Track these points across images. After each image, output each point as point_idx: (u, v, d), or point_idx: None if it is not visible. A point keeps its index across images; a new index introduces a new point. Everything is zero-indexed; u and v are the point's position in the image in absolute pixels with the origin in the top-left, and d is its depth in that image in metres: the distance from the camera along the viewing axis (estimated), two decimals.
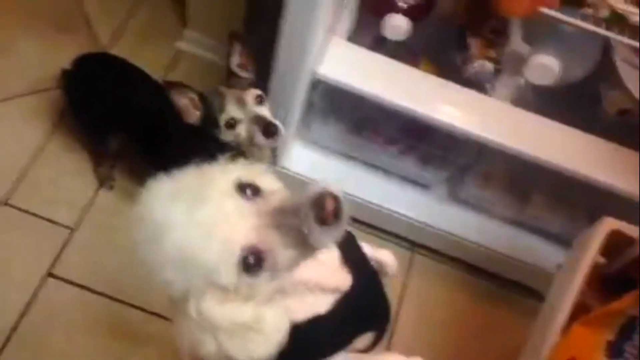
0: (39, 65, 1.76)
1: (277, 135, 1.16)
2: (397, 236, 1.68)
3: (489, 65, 1.33)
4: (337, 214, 0.65)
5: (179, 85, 1.17)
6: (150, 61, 1.53)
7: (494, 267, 1.62)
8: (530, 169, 1.39)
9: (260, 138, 1.16)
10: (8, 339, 1.41)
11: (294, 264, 0.68)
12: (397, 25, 1.28)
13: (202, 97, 1.19)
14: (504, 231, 1.58)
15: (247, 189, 0.68)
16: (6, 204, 1.57)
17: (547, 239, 1.56)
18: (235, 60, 1.21)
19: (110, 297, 1.49)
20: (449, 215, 1.59)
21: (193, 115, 1.19)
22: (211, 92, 1.19)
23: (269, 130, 1.15)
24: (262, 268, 0.66)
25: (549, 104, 1.38)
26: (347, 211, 0.67)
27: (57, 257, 1.52)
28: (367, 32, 1.47)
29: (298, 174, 1.59)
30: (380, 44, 1.46)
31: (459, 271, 1.68)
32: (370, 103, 1.36)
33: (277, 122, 1.16)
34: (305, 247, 0.66)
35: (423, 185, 1.61)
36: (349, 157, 1.64)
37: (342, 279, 0.85)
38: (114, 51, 1.78)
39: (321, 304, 0.82)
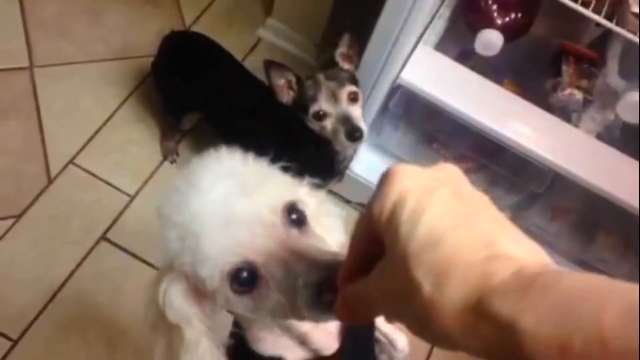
0: (123, 33, 1.80)
1: (360, 141, 1.15)
2: None
3: (578, 95, 1.29)
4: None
5: (280, 66, 1.18)
6: (230, 45, 1.53)
7: None
8: (602, 207, 1.33)
9: (342, 138, 1.15)
10: (56, 293, 1.43)
11: (276, 312, 0.60)
12: (491, 41, 1.25)
13: (299, 80, 1.19)
14: (564, 268, 1.51)
15: (294, 214, 0.60)
16: (73, 162, 1.60)
17: None
18: (341, 49, 1.20)
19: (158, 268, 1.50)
20: None
21: (286, 95, 1.20)
22: (309, 78, 1.18)
23: (353, 135, 1.14)
24: (249, 292, 0.59)
25: (634, 143, 1.32)
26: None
27: (114, 222, 1.55)
28: (454, 43, 1.45)
29: (360, 176, 1.57)
30: (466, 57, 1.43)
31: None
32: (446, 115, 1.33)
33: (363, 127, 1.15)
34: (295, 307, 0.58)
35: None
36: None
37: (328, 343, 0.76)
38: (196, 29, 1.81)
39: (291, 353, 0.73)
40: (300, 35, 1.81)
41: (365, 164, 1.57)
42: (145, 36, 1.78)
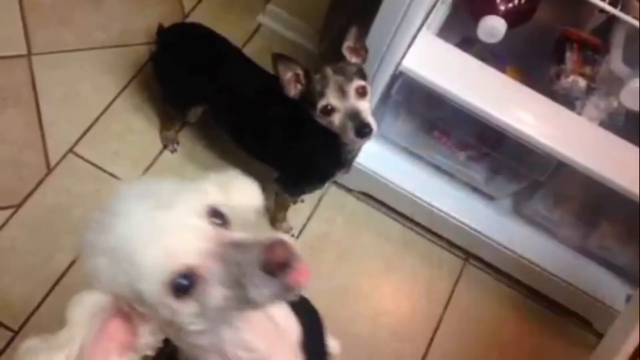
0: (122, 21, 1.78)
1: (369, 137, 1.14)
2: (451, 243, 1.64)
3: (582, 82, 1.27)
4: (285, 267, 0.60)
5: (287, 59, 1.16)
6: (230, 32, 1.51)
7: (549, 291, 1.56)
8: (605, 196, 1.33)
9: (351, 134, 1.14)
10: (56, 283, 1.43)
11: (225, 309, 0.63)
12: (494, 28, 1.24)
13: (307, 74, 1.17)
14: (566, 256, 1.52)
15: (215, 217, 0.64)
16: (72, 151, 1.59)
17: (611, 272, 1.49)
18: (348, 43, 1.18)
19: None
20: (510, 230, 1.53)
21: (294, 89, 1.18)
22: (317, 72, 1.17)
23: (362, 131, 1.13)
24: (191, 295, 0.61)
25: (638, 131, 1.31)
26: (296, 270, 0.61)
27: None
28: (456, 30, 1.43)
29: (361, 164, 1.56)
30: (468, 44, 1.41)
31: (511, 289, 1.62)
32: (448, 102, 1.32)
33: (372, 123, 1.13)
34: (242, 294, 0.61)
35: (488, 196, 1.56)
36: (415, 156, 1.60)
37: (292, 325, 0.79)
38: (195, 17, 1.79)
39: None
40: (300, 21, 1.78)
41: (366, 152, 1.54)
42: (144, 23, 1.76)
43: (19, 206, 1.50)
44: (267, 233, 0.62)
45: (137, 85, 1.71)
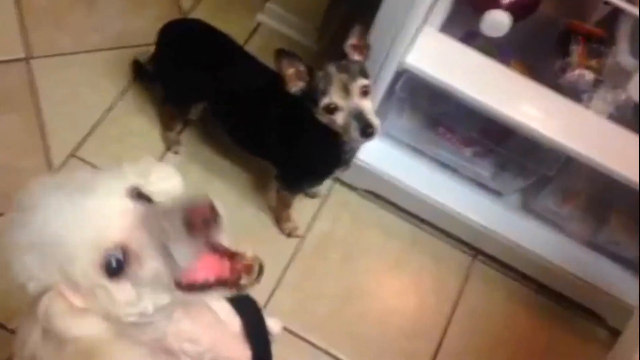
0: (119, 22, 1.76)
1: (373, 137, 1.12)
2: (459, 240, 1.62)
3: (588, 75, 1.26)
4: (207, 224, 0.61)
5: (290, 55, 1.15)
6: (229, 31, 1.50)
7: (559, 287, 1.55)
8: (614, 190, 1.31)
9: (355, 134, 1.13)
10: None
11: (158, 281, 0.63)
12: (498, 22, 1.22)
13: (310, 71, 1.16)
14: (576, 250, 1.50)
15: (141, 198, 0.64)
16: (74, 155, 1.58)
17: (622, 266, 1.47)
18: (351, 40, 1.17)
19: None
20: (519, 226, 1.51)
21: (295, 85, 1.17)
22: (319, 68, 1.15)
23: (366, 131, 1.12)
24: (125, 272, 0.61)
25: None
26: (219, 227, 0.62)
27: None
28: (458, 24, 1.41)
29: (366, 162, 1.54)
30: (472, 38, 1.40)
31: (521, 285, 1.61)
32: (452, 98, 1.31)
33: (375, 123, 1.12)
34: (172, 262, 0.61)
35: (495, 192, 1.55)
36: (420, 153, 1.58)
37: (241, 353, 0.80)
38: (194, 16, 1.77)
39: None
40: (300, 19, 1.77)
41: (370, 150, 1.53)
42: (141, 24, 1.74)
43: None
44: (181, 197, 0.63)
45: (137, 87, 1.69)
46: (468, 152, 1.52)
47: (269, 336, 0.93)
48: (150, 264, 0.61)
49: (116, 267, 0.61)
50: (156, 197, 0.67)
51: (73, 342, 0.62)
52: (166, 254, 0.61)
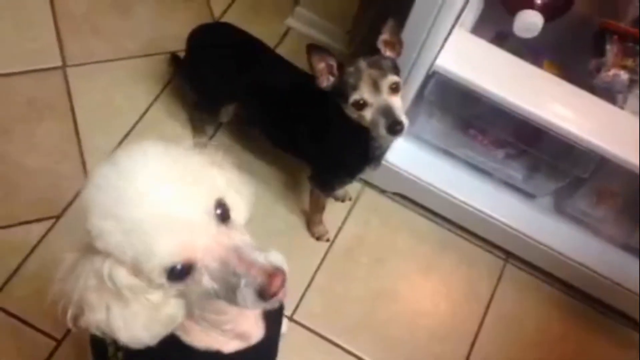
0: (153, 29, 1.80)
1: (401, 134, 1.12)
2: (490, 243, 1.61)
3: (624, 75, 1.23)
4: (276, 294, 0.66)
5: (321, 49, 1.15)
6: (259, 35, 1.51)
7: (593, 290, 1.52)
8: None
9: (382, 131, 1.12)
10: None
11: (205, 296, 0.68)
12: (530, 22, 1.21)
13: (340, 66, 1.16)
14: (610, 253, 1.47)
15: (220, 209, 0.67)
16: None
17: None
18: (384, 36, 1.16)
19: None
20: (551, 229, 1.49)
21: (326, 80, 1.17)
22: (351, 64, 1.15)
23: (394, 128, 1.11)
24: (183, 281, 0.66)
25: None
26: (284, 298, 0.68)
27: None
28: (490, 24, 1.40)
29: (395, 165, 1.54)
30: (503, 39, 1.38)
31: (553, 288, 1.59)
32: (483, 100, 1.29)
33: (404, 120, 1.12)
34: (229, 295, 0.66)
35: (527, 194, 1.53)
36: (450, 155, 1.57)
37: (255, 330, 0.84)
38: (224, 21, 1.79)
39: (224, 344, 0.81)
40: (330, 23, 1.77)
41: (400, 152, 1.54)
42: (174, 30, 1.77)
43: (59, 217, 1.52)
44: (266, 254, 0.66)
45: (169, 93, 1.72)
46: (500, 154, 1.51)
47: (281, 323, 0.96)
48: (208, 286, 0.66)
49: (179, 274, 0.65)
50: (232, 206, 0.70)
51: (128, 296, 0.67)
52: (228, 290, 0.66)
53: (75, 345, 1.39)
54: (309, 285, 1.53)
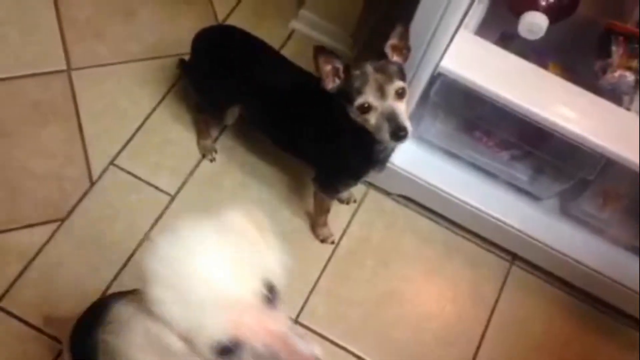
0: (157, 32, 1.80)
1: (404, 140, 1.12)
2: (496, 245, 1.60)
3: (630, 77, 1.23)
4: None
5: (328, 52, 1.15)
6: (264, 38, 1.52)
7: (599, 292, 1.52)
8: None
9: (385, 136, 1.12)
10: (103, 295, 1.45)
11: None
12: (535, 24, 1.20)
13: (347, 69, 1.16)
14: (616, 255, 1.47)
15: (268, 291, 0.69)
16: (113, 164, 1.61)
17: None
18: (392, 41, 1.16)
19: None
20: (557, 231, 1.49)
21: (332, 82, 1.17)
22: (357, 68, 1.15)
23: (397, 134, 1.11)
24: (229, 357, 0.67)
25: None
26: None
27: (155, 222, 1.56)
28: (494, 26, 1.40)
29: (400, 167, 1.54)
30: (507, 40, 1.38)
31: (559, 291, 1.58)
32: (488, 102, 1.29)
33: (408, 126, 1.12)
34: None
35: (533, 196, 1.52)
36: (455, 157, 1.57)
37: None
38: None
39: None
40: (334, 26, 1.78)
41: (405, 155, 1.53)
42: (178, 34, 1.78)
43: (64, 220, 1.52)
44: (307, 344, 0.69)
45: (174, 96, 1.72)
46: (505, 155, 1.50)
47: None
48: None
49: (226, 352, 0.67)
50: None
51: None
52: None
53: None
54: (313, 288, 1.53)
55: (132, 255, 1.50)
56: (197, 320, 0.65)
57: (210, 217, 0.72)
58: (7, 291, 1.42)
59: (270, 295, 0.69)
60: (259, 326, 0.67)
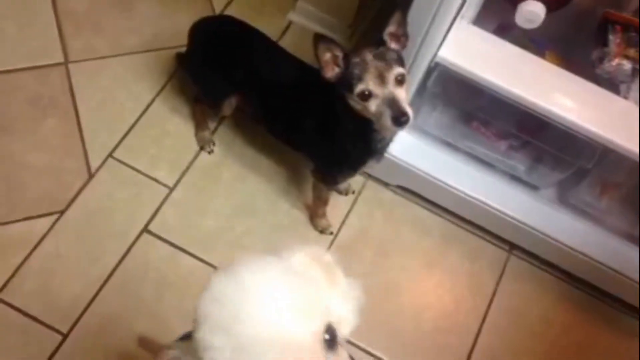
0: (155, 25, 1.80)
1: (406, 126, 1.12)
2: (494, 235, 1.61)
3: (627, 65, 1.23)
4: None
5: (328, 40, 1.14)
6: (261, 29, 1.52)
7: (598, 281, 1.52)
8: None
9: (387, 122, 1.12)
10: (102, 286, 1.45)
11: None
12: (533, 13, 1.20)
13: (346, 57, 1.16)
14: (615, 244, 1.47)
15: (329, 335, 0.64)
16: (111, 156, 1.62)
17: None
18: (390, 28, 1.16)
19: (200, 259, 1.51)
20: (556, 220, 1.49)
21: (331, 71, 1.17)
22: (357, 55, 1.15)
23: (399, 120, 1.11)
24: None
25: None
26: None
27: (154, 214, 1.56)
28: (492, 16, 1.40)
29: (398, 158, 1.54)
30: (505, 30, 1.38)
31: (557, 280, 1.59)
32: (486, 92, 1.29)
33: (409, 112, 1.12)
34: None
35: (531, 186, 1.53)
36: (453, 147, 1.57)
37: None
38: None
39: None
40: (331, 17, 1.77)
41: (403, 145, 1.53)
42: (175, 26, 1.77)
43: (62, 212, 1.53)
44: None
45: (171, 89, 1.72)
46: (503, 145, 1.51)
47: None
48: None
49: None
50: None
51: None
52: None
53: (82, 339, 1.40)
54: None
55: (131, 247, 1.51)
56: None
57: (272, 256, 0.68)
58: (7, 283, 1.43)
59: (331, 339, 0.64)
60: None
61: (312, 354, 0.62)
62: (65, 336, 1.39)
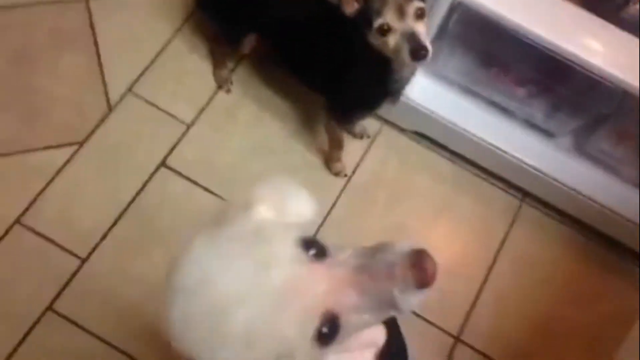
0: None
1: (425, 60, 1.11)
2: (507, 183, 1.61)
3: None
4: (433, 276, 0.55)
5: None
6: None
7: (610, 231, 1.53)
8: None
9: (406, 56, 1.11)
10: (120, 215, 1.49)
11: (364, 328, 0.59)
12: None
13: None
14: (630, 194, 1.47)
15: (311, 248, 0.57)
16: (131, 90, 1.63)
17: None
18: None
19: (215, 194, 1.54)
20: (571, 168, 1.49)
21: (351, 6, 1.16)
22: None
23: (418, 53, 1.10)
24: (335, 338, 0.56)
25: None
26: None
27: (172, 149, 1.58)
28: None
29: (415, 102, 1.54)
30: None
31: (570, 229, 1.60)
32: (507, 35, 1.28)
33: (428, 45, 1.11)
34: (386, 310, 0.57)
35: (547, 133, 1.52)
36: (471, 93, 1.56)
37: (378, 332, 0.75)
38: None
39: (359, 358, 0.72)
40: None
41: (420, 89, 1.53)
42: None
43: (82, 143, 1.55)
44: (391, 247, 0.57)
45: (190, 27, 1.72)
46: (521, 92, 1.50)
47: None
48: (358, 322, 0.58)
49: (327, 334, 0.56)
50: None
51: None
52: (381, 309, 0.57)
53: (99, 264, 1.44)
54: (324, 219, 1.56)
55: (148, 180, 1.53)
56: (277, 341, 0.54)
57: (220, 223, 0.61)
58: (28, 208, 1.47)
59: (317, 249, 0.57)
60: (334, 286, 0.55)
61: (310, 275, 0.55)
62: (83, 261, 1.43)
